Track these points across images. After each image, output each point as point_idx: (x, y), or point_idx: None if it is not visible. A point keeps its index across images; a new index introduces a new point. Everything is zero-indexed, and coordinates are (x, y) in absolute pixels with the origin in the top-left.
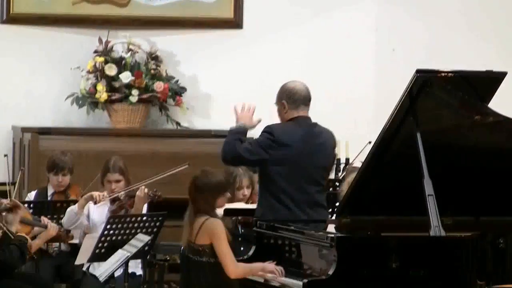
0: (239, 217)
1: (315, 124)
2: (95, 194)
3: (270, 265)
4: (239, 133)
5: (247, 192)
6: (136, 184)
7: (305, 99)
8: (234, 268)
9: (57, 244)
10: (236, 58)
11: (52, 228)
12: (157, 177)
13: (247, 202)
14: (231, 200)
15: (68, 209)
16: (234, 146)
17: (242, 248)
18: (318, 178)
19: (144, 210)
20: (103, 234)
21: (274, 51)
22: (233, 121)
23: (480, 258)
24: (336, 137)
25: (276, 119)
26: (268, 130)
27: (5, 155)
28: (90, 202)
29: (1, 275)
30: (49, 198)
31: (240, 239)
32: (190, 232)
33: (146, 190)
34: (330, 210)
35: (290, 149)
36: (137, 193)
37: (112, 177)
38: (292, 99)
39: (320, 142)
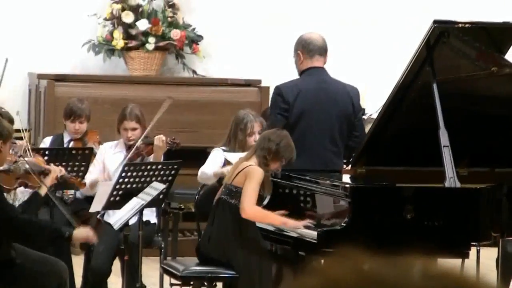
0: None
1: (329, 78)
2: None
3: (293, 223)
4: None
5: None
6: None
7: (320, 49)
8: (248, 208)
9: (72, 191)
10: (254, 6)
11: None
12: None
13: None
14: (242, 146)
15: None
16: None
17: None
18: (335, 134)
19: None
20: (118, 181)
21: (294, 0)
22: (249, 70)
23: (495, 210)
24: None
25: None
26: (277, 92)
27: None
28: (106, 149)
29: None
30: (65, 145)
31: None
32: (231, 173)
33: (164, 138)
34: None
35: (300, 105)
36: (155, 142)
37: (129, 125)
38: (307, 48)
39: (332, 94)
